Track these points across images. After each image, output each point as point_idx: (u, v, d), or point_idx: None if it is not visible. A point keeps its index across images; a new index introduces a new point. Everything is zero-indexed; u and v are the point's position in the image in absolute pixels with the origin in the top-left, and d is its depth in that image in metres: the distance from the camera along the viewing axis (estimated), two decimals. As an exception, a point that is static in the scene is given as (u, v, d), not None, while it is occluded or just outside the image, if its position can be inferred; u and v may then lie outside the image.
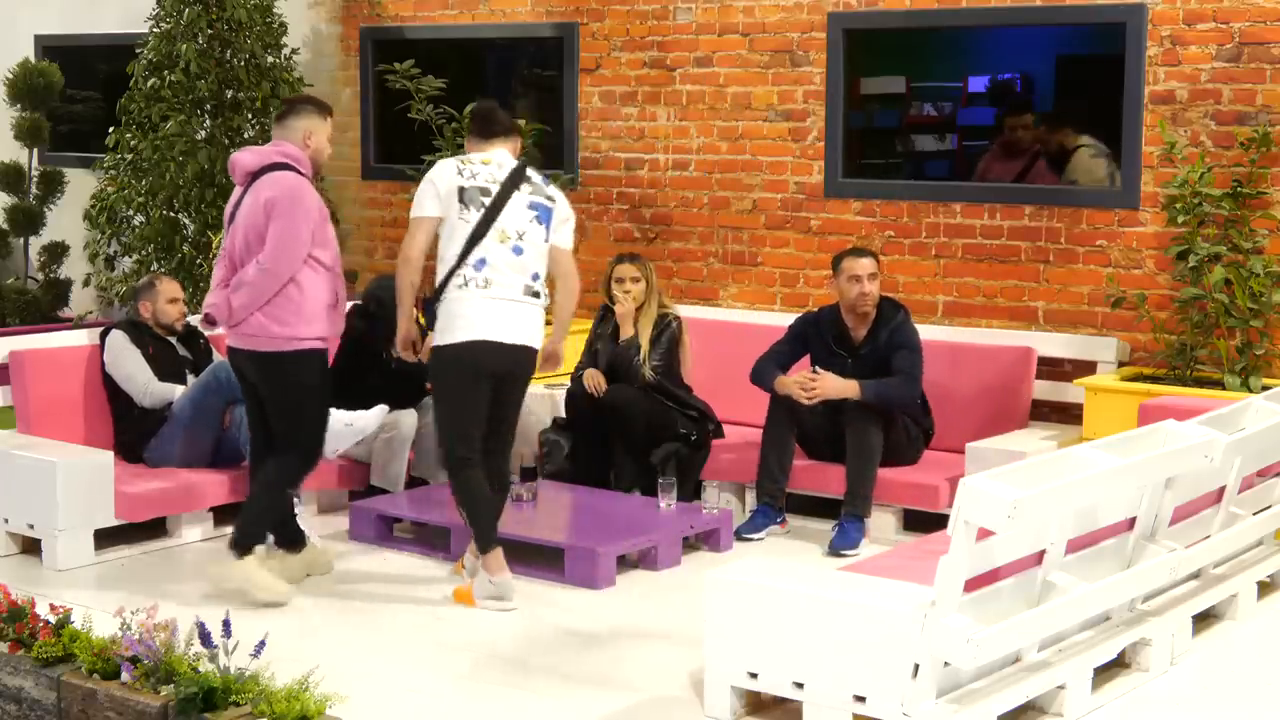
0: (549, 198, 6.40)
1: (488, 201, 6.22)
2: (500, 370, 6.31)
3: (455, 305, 6.22)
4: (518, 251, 6.26)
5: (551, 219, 6.38)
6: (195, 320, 7.30)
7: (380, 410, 7.46)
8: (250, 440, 6.64)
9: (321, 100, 6.79)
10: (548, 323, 6.50)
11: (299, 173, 6.33)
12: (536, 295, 6.32)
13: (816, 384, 7.29)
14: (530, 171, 6.43)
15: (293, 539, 6.65)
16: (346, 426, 7.38)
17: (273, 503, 6.46)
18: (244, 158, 6.40)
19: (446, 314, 6.28)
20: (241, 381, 6.56)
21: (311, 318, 6.28)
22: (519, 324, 6.28)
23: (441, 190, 6.24)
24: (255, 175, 6.32)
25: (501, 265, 6.24)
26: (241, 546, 6.34)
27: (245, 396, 6.61)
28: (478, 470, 6.30)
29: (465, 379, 6.25)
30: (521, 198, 6.30)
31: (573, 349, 8.34)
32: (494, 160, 6.34)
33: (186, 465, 7.25)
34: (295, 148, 6.37)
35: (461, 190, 6.25)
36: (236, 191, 6.43)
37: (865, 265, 7.47)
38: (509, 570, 6.29)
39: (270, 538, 6.54)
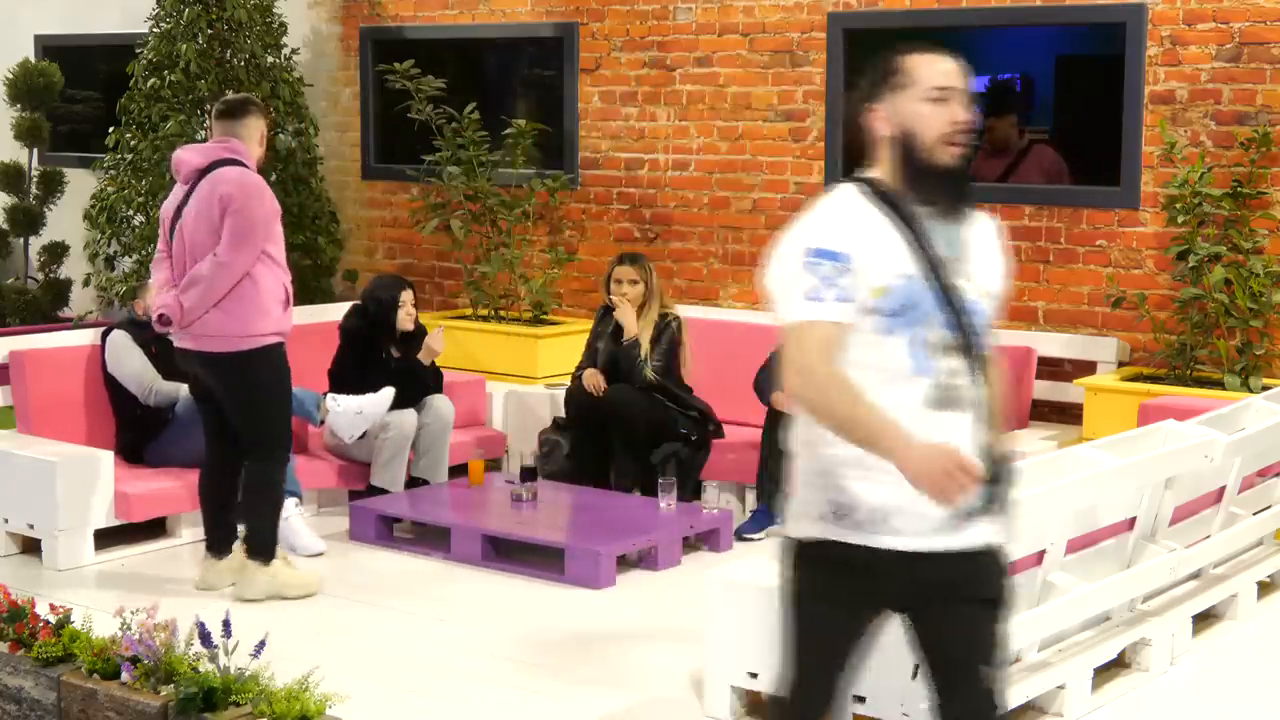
0: None
1: None
2: None
3: None
4: None
5: None
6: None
7: (388, 392, 7.47)
8: (207, 444, 6.51)
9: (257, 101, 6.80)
10: None
11: (247, 169, 6.24)
12: None
13: None
14: None
15: (222, 542, 6.54)
16: (357, 414, 7.39)
17: (268, 506, 6.39)
18: (190, 156, 6.29)
19: None
20: (194, 385, 6.48)
21: (267, 313, 6.17)
22: None
23: None
24: (203, 172, 6.21)
25: None
26: (262, 554, 6.33)
27: (198, 400, 6.49)
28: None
29: None
30: None
31: (573, 349, 8.35)
32: None
33: (188, 465, 7.24)
34: (242, 144, 6.26)
35: None
36: (178, 191, 6.30)
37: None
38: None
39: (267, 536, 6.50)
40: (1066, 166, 8.16)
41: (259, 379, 6.25)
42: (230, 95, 6.91)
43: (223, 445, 6.43)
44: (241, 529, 6.54)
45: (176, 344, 6.35)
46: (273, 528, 6.42)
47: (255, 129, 6.33)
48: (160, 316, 6.28)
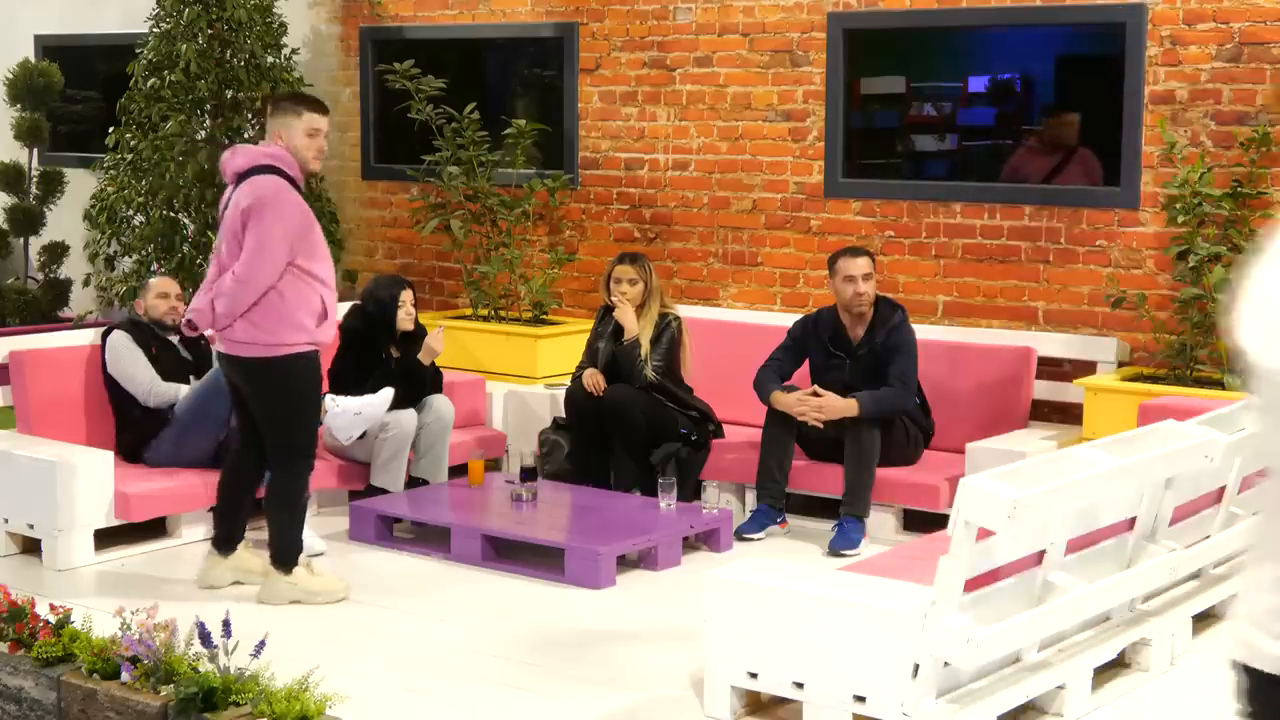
0: None
1: None
2: None
3: None
4: None
5: None
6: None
7: (387, 393, 7.46)
8: (241, 442, 6.51)
9: (299, 96, 6.69)
10: None
11: (285, 175, 6.14)
12: None
13: (819, 409, 7.27)
14: None
15: (226, 540, 6.54)
16: (356, 415, 7.38)
17: (289, 514, 6.36)
18: (233, 159, 6.24)
19: None
20: (230, 386, 6.46)
21: (297, 325, 6.11)
22: None
23: None
24: (243, 177, 6.16)
25: None
26: (284, 562, 6.32)
27: (235, 400, 6.47)
28: None
29: None
30: None
31: (573, 349, 8.35)
32: None
33: (187, 466, 7.24)
34: (280, 149, 6.19)
35: None
36: (228, 190, 6.27)
37: (860, 265, 7.45)
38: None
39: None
40: (1101, 170, 8.11)
41: (286, 386, 6.20)
42: (275, 94, 6.76)
43: (253, 446, 6.42)
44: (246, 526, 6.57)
45: (215, 348, 6.36)
46: (296, 536, 6.38)
47: (270, 131, 6.24)
48: (188, 321, 6.27)
